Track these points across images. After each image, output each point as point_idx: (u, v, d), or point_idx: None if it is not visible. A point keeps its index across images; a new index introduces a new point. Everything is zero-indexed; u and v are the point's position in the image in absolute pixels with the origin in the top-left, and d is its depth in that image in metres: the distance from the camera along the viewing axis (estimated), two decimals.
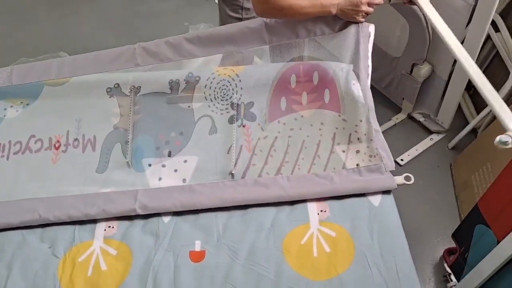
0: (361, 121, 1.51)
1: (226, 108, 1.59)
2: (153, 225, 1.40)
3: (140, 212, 1.42)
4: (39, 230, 1.40)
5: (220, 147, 1.54)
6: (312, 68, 1.60)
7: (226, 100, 1.60)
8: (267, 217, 1.40)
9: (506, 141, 1.16)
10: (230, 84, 1.61)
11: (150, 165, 1.54)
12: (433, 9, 1.54)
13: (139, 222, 1.41)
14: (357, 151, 1.50)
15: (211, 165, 1.52)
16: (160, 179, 1.51)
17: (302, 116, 1.57)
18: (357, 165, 1.47)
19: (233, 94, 1.60)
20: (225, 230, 1.38)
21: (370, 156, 1.48)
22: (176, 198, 1.44)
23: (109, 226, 1.41)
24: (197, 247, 1.35)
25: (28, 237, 1.39)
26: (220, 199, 1.43)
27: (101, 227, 1.41)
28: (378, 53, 1.76)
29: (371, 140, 1.49)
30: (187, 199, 1.44)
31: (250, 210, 1.42)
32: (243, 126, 1.56)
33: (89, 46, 2.86)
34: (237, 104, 1.59)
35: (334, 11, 1.50)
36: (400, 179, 1.46)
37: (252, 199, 1.43)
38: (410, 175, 1.47)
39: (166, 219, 1.42)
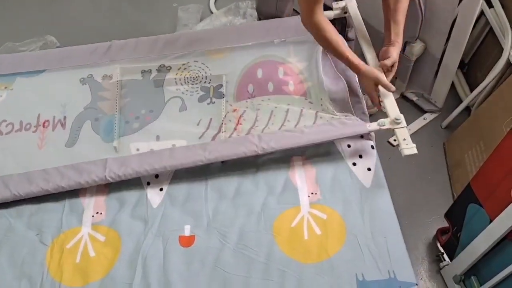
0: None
1: (196, 90, 1.65)
2: (141, 210, 1.39)
3: (111, 180, 1.40)
4: (25, 217, 1.39)
5: (190, 122, 1.57)
6: (277, 64, 1.69)
7: (196, 84, 1.67)
8: (257, 201, 1.39)
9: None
10: (200, 73, 1.69)
11: (138, 149, 1.52)
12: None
13: (127, 208, 1.40)
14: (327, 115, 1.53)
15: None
16: None
17: (269, 98, 1.61)
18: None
19: (202, 79, 1.67)
20: (215, 215, 1.37)
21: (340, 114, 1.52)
22: (147, 163, 1.42)
23: (97, 212, 1.40)
24: (187, 232, 1.34)
25: (15, 224, 1.38)
26: (190, 159, 1.42)
27: (89, 213, 1.39)
28: (369, 31, 1.73)
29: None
30: (158, 163, 1.42)
31: (240, 194, 1.41)
32: (213, 103, 1.60)
33: (77, 29, 2.81)
34: (206, 86, 1.65)
35: (362, 68, 1.46)
36: (374, 125, 1.45)
37: (224, 156, 1.43)
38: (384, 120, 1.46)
39: (155, 204, 1.41)
